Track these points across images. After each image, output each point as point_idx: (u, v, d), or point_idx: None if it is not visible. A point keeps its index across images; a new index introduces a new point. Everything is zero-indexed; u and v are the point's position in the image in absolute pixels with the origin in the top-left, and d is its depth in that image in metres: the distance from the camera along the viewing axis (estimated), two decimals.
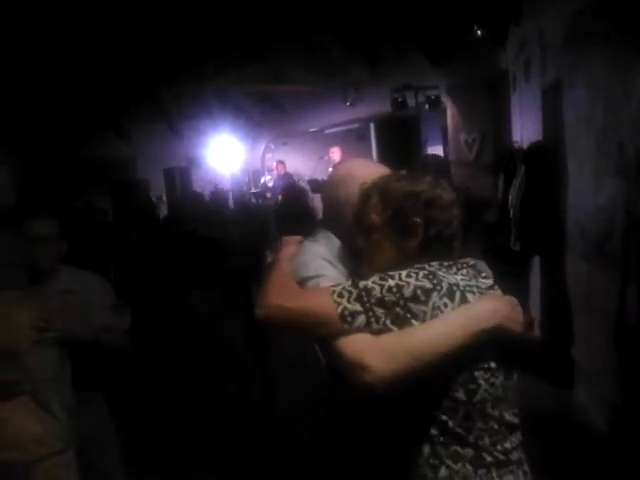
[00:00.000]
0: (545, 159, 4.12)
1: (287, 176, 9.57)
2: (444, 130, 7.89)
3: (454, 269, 1.27)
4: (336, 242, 1.52)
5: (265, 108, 9.45)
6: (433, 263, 1.26)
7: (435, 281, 1.21)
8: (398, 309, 1.18)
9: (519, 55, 5.05)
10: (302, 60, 7.23)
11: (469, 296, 1.24)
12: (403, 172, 1.40)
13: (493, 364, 1.24)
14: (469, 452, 1.22)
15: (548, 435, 3.27)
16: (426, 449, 1.23)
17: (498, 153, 6.25)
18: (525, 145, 4.73)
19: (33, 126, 8.30)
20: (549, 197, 4.01)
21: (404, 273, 1.22)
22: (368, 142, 9.73)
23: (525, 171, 4.16)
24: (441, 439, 1.22)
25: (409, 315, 1.18)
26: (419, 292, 1.19)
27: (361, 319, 1.18)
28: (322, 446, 1.47)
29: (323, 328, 1.21)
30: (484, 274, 1.35)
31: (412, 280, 1.20)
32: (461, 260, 1.32)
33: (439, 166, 3.53)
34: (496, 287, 1.34)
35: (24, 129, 8.31)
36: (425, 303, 1.19)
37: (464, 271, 1.29)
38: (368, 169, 1.53)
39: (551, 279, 4.20)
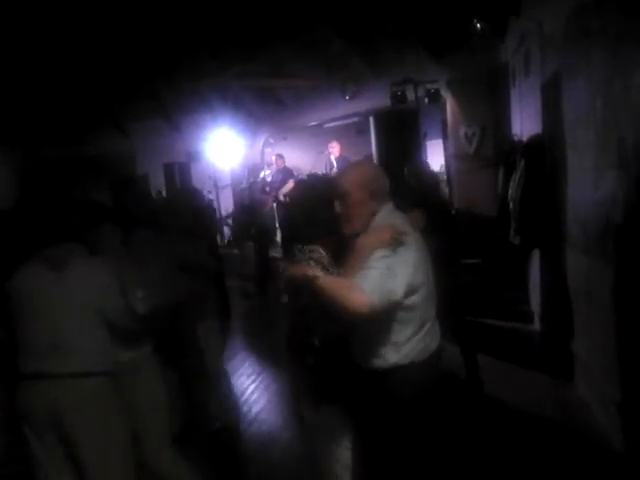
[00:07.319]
0: (545, 153, 4.11)
1: (286, 170, 9.57)
2: (444, 124, 7.88)
3: None
4: None
5: (265, 103, 9.43)
6: None
7: None
8: None
9: (519, 49, 5.04)
10: (302, 55, 7.21)
11: None
12: None
13: None
14: None
15: (548, 428, 3.30)
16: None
17: (498, 147, 6.26)
18: (525, 139, 4.73)
19: (33, 123, 8.29)
20: (549, 191, 4.01)
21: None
22: (367, 136, 9.71)
23: (525, 165, 4.16)
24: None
25: None
26: None
27: None
28: None
29: None
30: None
31: None
32: None
33: (426, 175, 3.67)
34: None
35: (24, 126, 8.31)
36: None
37: None
38: None
39: (551, 272, 4.21)
